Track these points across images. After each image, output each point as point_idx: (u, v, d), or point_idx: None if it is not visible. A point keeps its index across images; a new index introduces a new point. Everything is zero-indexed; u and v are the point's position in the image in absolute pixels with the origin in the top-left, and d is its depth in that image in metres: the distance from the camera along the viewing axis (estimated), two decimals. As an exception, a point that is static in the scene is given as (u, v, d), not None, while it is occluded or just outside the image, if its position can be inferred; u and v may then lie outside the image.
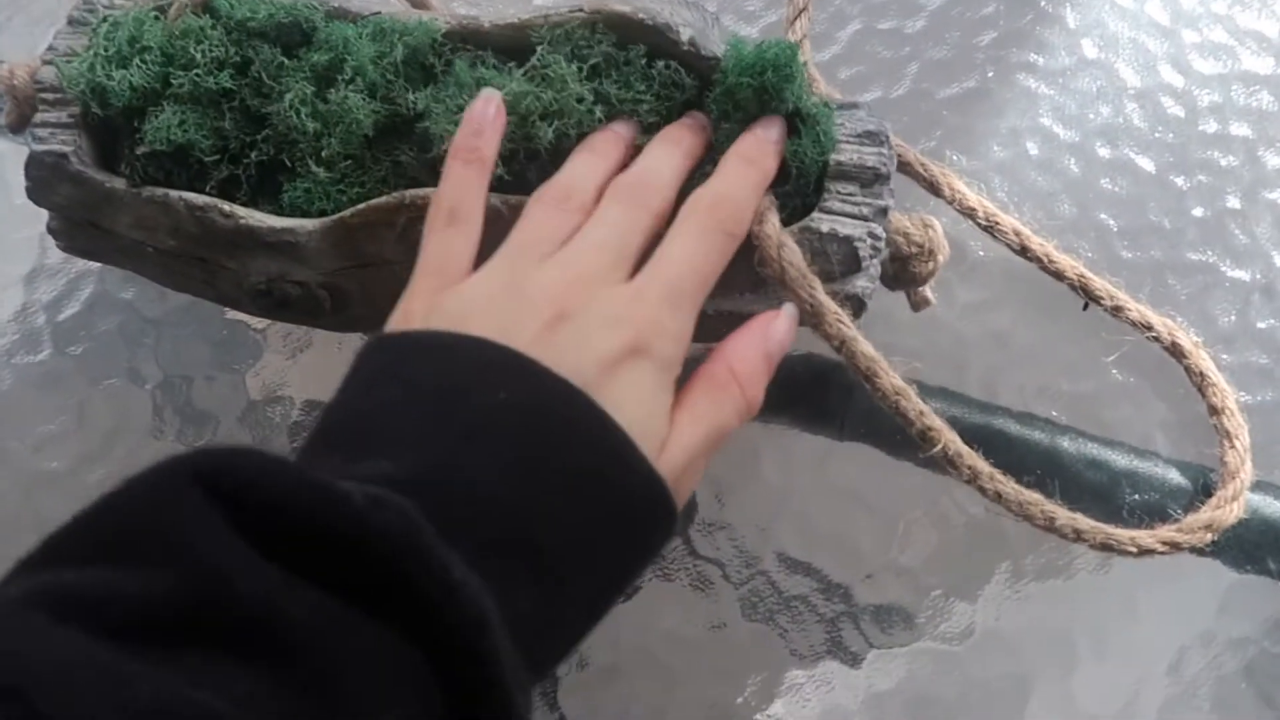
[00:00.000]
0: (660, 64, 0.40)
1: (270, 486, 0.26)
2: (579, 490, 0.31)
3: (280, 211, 0.40)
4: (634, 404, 0.33)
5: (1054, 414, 0.46)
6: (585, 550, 0.31)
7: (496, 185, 0.38)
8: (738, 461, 0.46)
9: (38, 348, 0.51)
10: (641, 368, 0.33)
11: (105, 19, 0.41)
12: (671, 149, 0.39)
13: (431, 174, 0.39)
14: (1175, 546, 0.41)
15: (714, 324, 0.39)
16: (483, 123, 0.38)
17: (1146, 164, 0.51)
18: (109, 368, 0.50)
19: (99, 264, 0.49)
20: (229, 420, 0.49)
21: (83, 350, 0.51)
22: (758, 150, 0.38)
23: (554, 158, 0.39)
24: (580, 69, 0.40)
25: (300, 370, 0.50)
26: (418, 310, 0.34)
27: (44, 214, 0.43)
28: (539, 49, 0.40)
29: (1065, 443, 0.45)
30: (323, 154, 0.39)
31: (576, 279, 0.34)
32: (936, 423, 0.38)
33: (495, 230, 0.38)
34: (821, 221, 0.38)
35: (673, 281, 0.35)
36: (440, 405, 0.31)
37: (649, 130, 0.39)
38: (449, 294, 0.34)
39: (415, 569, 0.26)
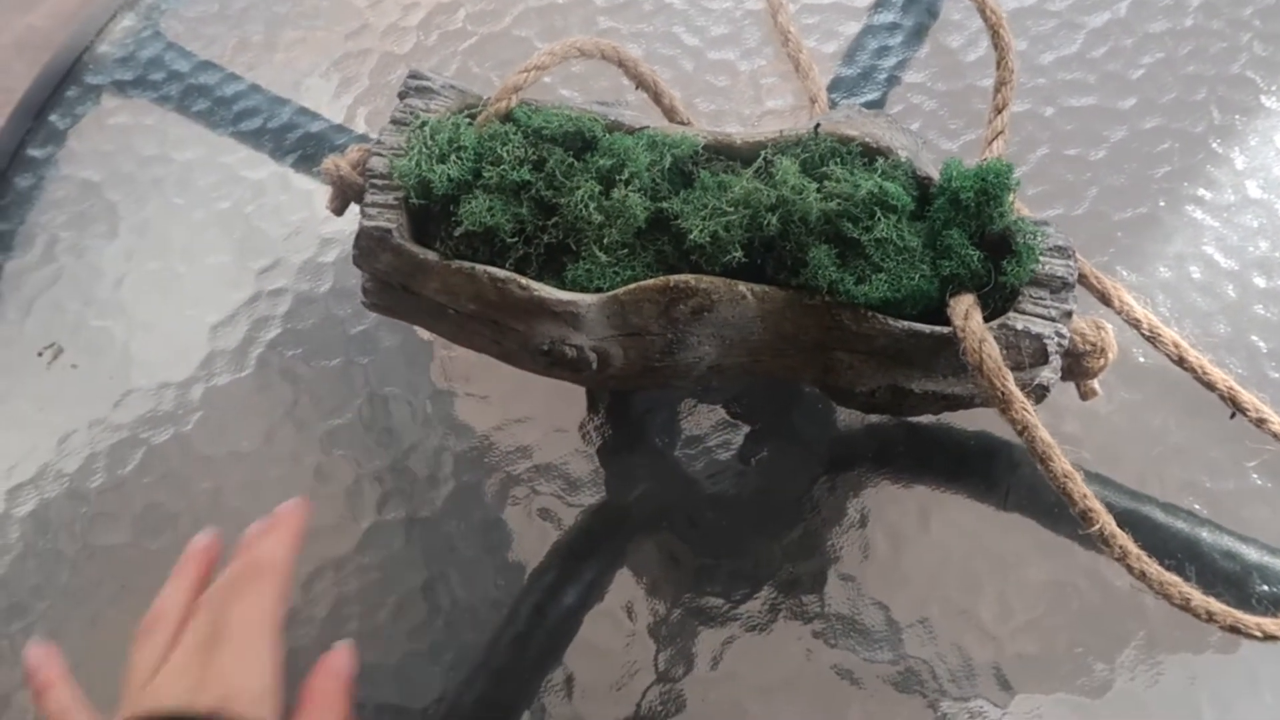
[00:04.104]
0: (880, 159, 0.45)
1: None
2: None
3: (563, 286, 0.45)
4: None
5: (1196, 507, 0.50)
6: None
7: (734, 270, 0.44)
8: (913, 519, 0.51)
9: (333, 354, 0.59)
10: None
11: (424, 122, 0.47)
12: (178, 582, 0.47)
13: (684, 261, 0.45)
14: (1298, 635, 0.44)
15: (920, 401, 0.46)
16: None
17: (1297, 296, 0.55)
18: (390, 376, 0.58)
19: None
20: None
21: (368, 360, 0.59)
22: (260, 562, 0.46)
23: (785, 248, 0.44)
24: (805, 162, 0.45)
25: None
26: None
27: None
28: (763, 151, 0.46)
29: (1204, 533, 0.50)
30: (604, 241, 0.45)
31: None
32: (1097, 505, 0.42)
33: (739, 311, 0.44)
34: (1017, 320, 0.43)
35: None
36: None
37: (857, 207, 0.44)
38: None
39: None
